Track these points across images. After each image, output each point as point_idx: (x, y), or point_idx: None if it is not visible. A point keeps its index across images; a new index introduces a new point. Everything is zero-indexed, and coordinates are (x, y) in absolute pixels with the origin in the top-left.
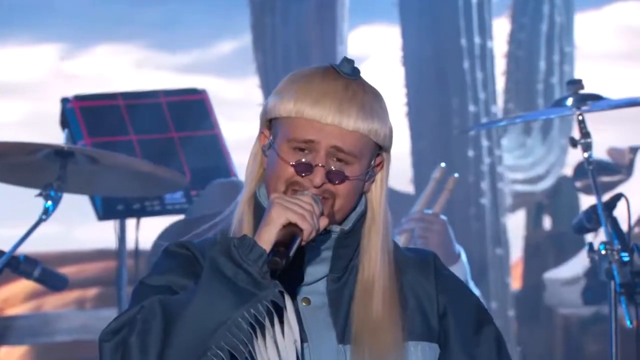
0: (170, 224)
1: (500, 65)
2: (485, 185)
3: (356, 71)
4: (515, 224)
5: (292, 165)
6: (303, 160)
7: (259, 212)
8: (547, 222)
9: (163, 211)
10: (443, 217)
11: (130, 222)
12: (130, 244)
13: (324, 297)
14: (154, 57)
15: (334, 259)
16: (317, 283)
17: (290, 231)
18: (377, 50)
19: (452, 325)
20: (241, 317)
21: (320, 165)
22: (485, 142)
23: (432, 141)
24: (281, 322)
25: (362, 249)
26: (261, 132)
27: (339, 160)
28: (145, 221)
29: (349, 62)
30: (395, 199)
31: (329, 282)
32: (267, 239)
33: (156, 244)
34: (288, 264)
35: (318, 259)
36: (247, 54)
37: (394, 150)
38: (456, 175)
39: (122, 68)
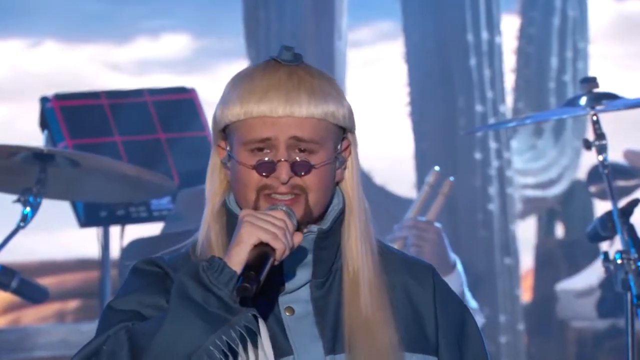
0: (131, 242)
1: (509, 62)
2: (493, 190)
3: (298, 57)
4: (526, 231)
5: (254, 167)
6: (265, 159)
7: (231, 223)
8: (559, 230)
9: (149, 218)
10: (437, 224)
11: (114, 230)
12: (114, 253)
13: (308, 305)
14: (138, 54)
15: (316, 262)
16: (300, 290)
17: (262, 252)
18: (377, 46)
19: (442, 341)
20: (212, 345)
21: (283, 160)
22: (493, 144)
23: (436, 143)
24: (255, 347)
25: (343, 246)
26: (217, 145)
27: (301, 151)
28: (131, 229)
29: (288, 49)
30: (397, 204)
31: (313, 289)
32: (237, 260)
33: (121, 265)
34: (259, 288)
35: (298, 263)
36: (239, 50)
37: (395, 153)
38: (451, 178)
39: (103, 67)
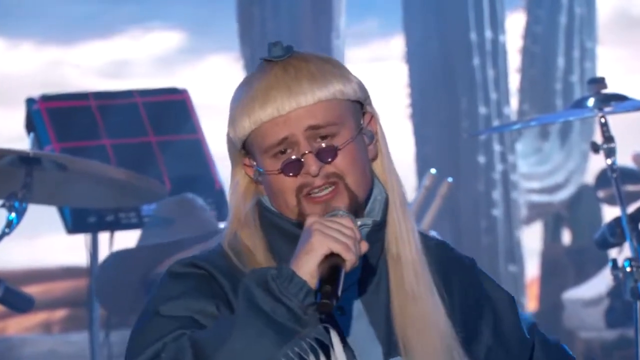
0: (112, 254)
1: (514, 62)
2: (497, 195)
3: (288, 49)
4: (531, 238)
5: (281, 171)
6: (292, 158)
7: (266, 221)
8: (566, 236)
9: (140, 224)
10: (433, 233)
11: (103, 236)
12: None
13: (358, 304)
14: (127, 54)
15: (364, 258)
16: (350, 290)
17: (334, 263)
18: (376, 46)
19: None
20: (285, 356)
21: (306, 152)
22: (497, 147)
23: (438, 146)
24: (327, 358)
25: (388, 231)
26: (242, 165)
27: (323, 138)
28: (120, 235)
29: (275, 45)
30: None
31: (361, 288)
32: (307, 269)
33: (98, 278)
34: (338, 302)
35: None
36: (233, 49)
37: (395, 157)
38: (450, 179)
39: (91, 67)
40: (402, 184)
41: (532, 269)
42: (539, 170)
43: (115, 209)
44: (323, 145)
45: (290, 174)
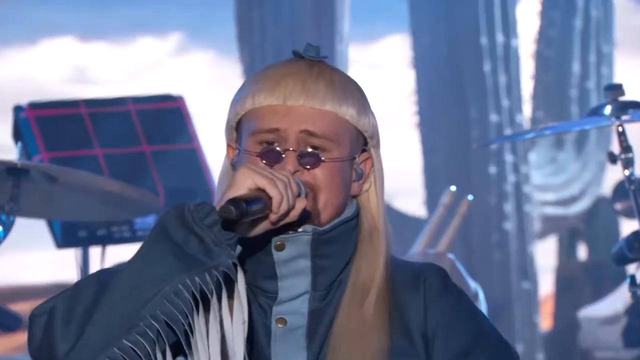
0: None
1: (527, 67)
2: (509, 207)
3: (322, 56)
4: (545, 253)
5: (259, 155)
6: (276, 148)
7: None
8: (581, 251)
9: (133, 238)
10: (450, 256)
11: (95, 252)
12: None
13: (303, 317)
14: (121, 59)
15: (315, 271)
16: (297, 301)
17: (257, 194)
18: (382, 50)
19: (439, 351)
20: (182, 284)
21: (291, 149)
22: (509, 158)
23: (446, 156)
24: (231, 298)
25: (356, 262)
26: (228, 146)
27: (313, 147)
28: (113, 250)
29: (314, 47)
30: (404, 224)
31: (312, 301)
32: None
33: None
34: (242, 217)
35: (293, 270)
36: (231, 54)
37: (402, 168)
38: (470, 197)
39: (82, 74)
40: (389, 228)
41: (546, 285)
42: (553, 182)
43: (107, 222)
44: (309, 149)
45: (264, 162)
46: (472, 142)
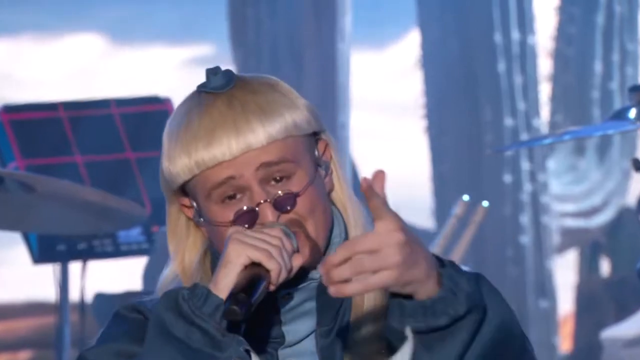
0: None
1: (544, 67)
2: (525, 219)
3: (229, 77)
4: (565, 269)
5: (233, 223)
6: (244, 208)
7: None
8: (604, 267)
9: (116, 252)
10: (466, 268)
11: (75, 267)
12: (74, 295)
13: (314, 357)
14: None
15: (321, 309)
16: (304, 342)
17: (254, 273)
18: (387, 49)
19: None
20: None
21: (262, 201)
22: (525, 165)
23: (457, 163)
24: None
25: None
26: (180, 205)
27: (277, 180)
28: (94, 265)
29: (214, 73)
30: None
31: (319, 339)
32: (224, 285)
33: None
34: (250, 313)
35: (298, 313)
36: (224, 52)
37: (409, 175)
38: (485, 204)
39: (60, 74)
40: (364, 214)
41: (565, 304)
42: (573, 191)
43: (89, 235)
44: (280, 192)
45: (246, 226)
46: (485, 148)
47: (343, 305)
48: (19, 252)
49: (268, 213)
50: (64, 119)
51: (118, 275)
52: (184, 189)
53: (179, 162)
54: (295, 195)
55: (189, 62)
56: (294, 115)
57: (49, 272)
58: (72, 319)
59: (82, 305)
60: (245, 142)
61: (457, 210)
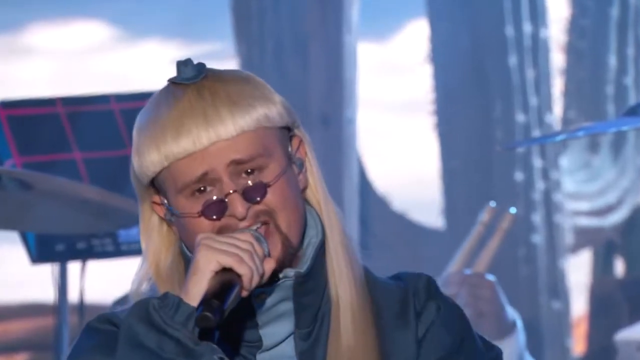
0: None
1: (557, 60)
2: (537, 218)
3: (199, 69)
4: (578, 269)
5: (201, 213)
6: (214, 198)
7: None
8: (619, 267)
9: (117, 252)
10: (490, 277)
11: (74, 267)
12: (73, 296)
13: (293, 358)
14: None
15: (298, 310)
16: (282, 345)
17: (225, 278)
18: (395, 42)
19: None
20: None
21: (231, 191)
22: (537, 162)
23: (467, 161)
24: None
25: (330, 275)
26: (150, 202)
27: (248, 173)
28: (94, 265)
29: (185, 64)
30: (420, 235)
31: (298, 341)
32: (196, 293)
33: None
34: (223, 319)
35: (275, 315)
36: (227, 47)
37: (418, 173)
38: (513, 210)
39: (61, 70)
40: (340, 215)
41: (579, 305)
42: (587, 189)
43: (88, 234)
44: (250, 183)
45: (214, 217)
46: (496, 144)
47: (322, 307)
48: (16, 251)
49: (237, 204)
50: (62, 114)
51: (118, 276)
52: (154, 185)
53: (147, 155)
54: (266, 185)
55: (191, 57)
56: (265, 107)
57: (47, 272)
58: (71, 321)
59: (81, 307)
60: (215, 132)
61: (485, 217)
